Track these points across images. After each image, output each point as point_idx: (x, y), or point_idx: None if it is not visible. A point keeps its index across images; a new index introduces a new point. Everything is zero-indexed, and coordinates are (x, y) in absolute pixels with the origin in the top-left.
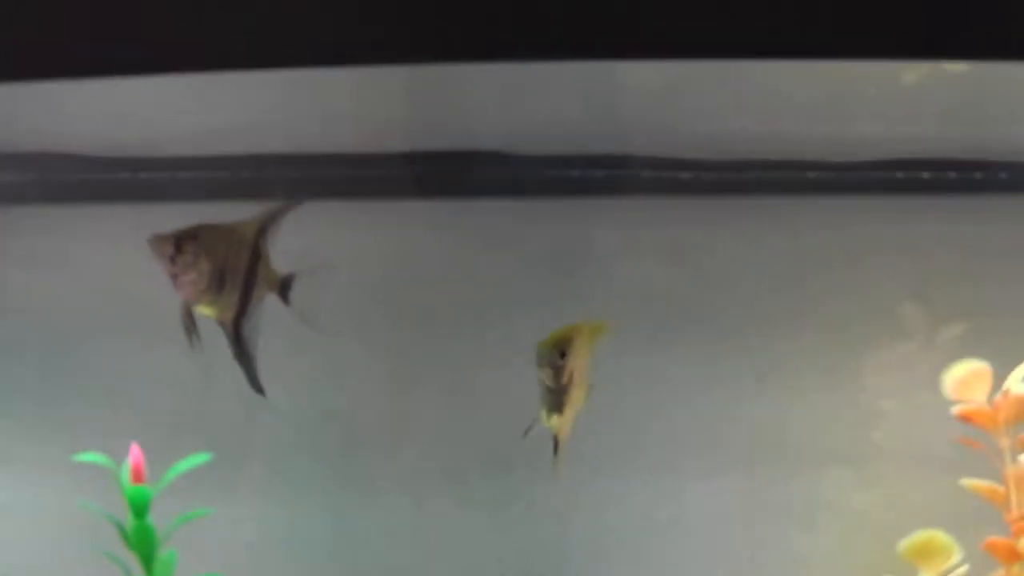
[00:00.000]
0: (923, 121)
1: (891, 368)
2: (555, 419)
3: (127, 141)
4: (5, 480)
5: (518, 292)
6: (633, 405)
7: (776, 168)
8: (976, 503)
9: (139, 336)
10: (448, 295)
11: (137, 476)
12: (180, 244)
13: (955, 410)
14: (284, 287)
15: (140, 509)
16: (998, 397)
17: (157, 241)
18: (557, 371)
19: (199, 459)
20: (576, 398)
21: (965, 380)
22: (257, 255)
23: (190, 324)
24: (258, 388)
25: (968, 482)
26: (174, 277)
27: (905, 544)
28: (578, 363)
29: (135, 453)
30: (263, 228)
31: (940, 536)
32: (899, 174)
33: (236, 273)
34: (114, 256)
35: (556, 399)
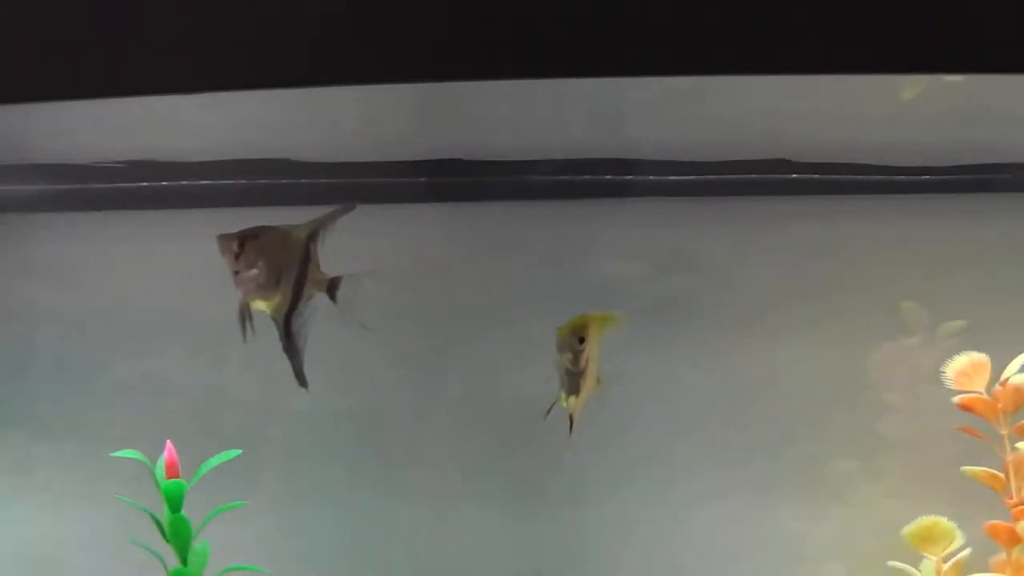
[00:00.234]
0: (923, 123)
1: (894, 362)
2: (572, 400)
3: (144, 148)
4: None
5: (527, 293)
6: (641, 400)
7: (782, 170)
8: (977, 491)
9: (155, 342)
10: (460, 296)
11: (172, 470)
12: (243, 243)
13: (956, 400)
14: (332, 288)
15: (175, 502)
16: (997, 387)
17: (224, 240)
18: (576, 355)
19: (230, 455)
20: (590, 382)
21: (965, 371)
22: (308, 257)
23: (246, 318)
24: (302, 381)
25: (969, 469)
26: (236, 273)
27: (908, 529)
28: (592, 349)
29: (169, 449)
30: (314, 232)
31: (942, 522)
32: (901, 176)
33: (289, 273)
34: (132, 262)
35: (574, 382)
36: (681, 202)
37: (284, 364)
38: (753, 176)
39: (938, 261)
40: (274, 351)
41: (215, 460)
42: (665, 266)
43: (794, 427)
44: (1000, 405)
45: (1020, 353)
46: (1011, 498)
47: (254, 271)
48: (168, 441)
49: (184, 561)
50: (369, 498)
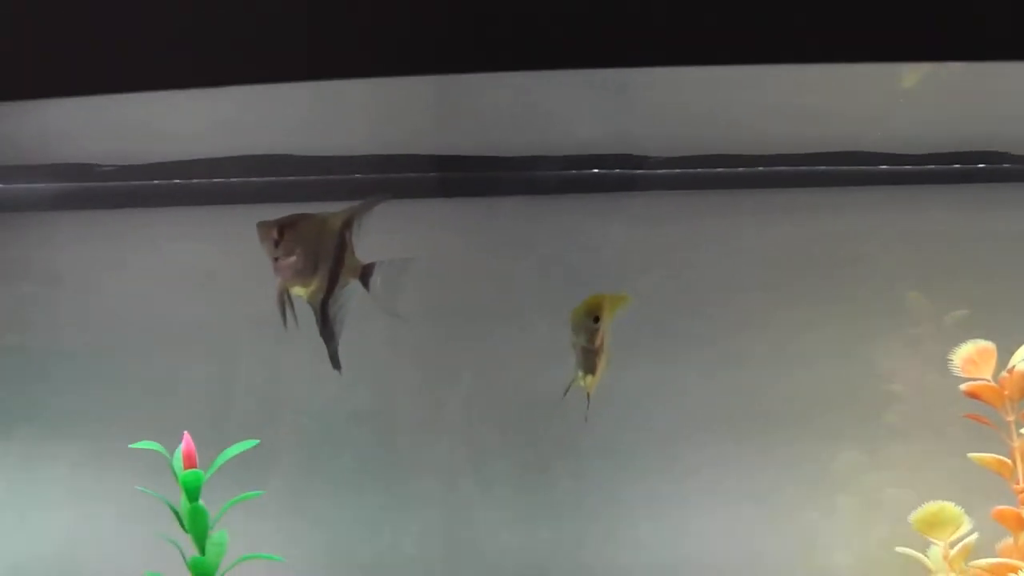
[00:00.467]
0: (926, 114)
1: (901, 352)
2: (588, 379)
3: (145, 146)
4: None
5: (537, 287)
6: (649, 391)
7: (787, 162)
8: (985, 479)
9: (168, 341)
10: (470, 291)
11: (189, 461)
12: (283, 231)
13: (963, 387)
14: (365, 275)
15: (193, 492)
16: (1004, 374)
17: (263, 227)
18: (592, 334)
19: (247, 445)
20: (604, 360)
21: (972, 359)
22: (344, 245)
23: (286, 304)
24: (336, 364)
25: (975, 456)
26: (275, 260)
27: (916, 515)
28: (605, 329)
29: (187, 440)
30: (349, 221)
31: (949, 507)
32: (907, 167)
33: (325, 260)
34: (146, 261)
35: (590, 360)
36: (687, 195)
37: (296, 360)
38: (759, 170)
39: (943, 251)
40: (285, 346)
41: (233, 450)
42: (673, 258)
43: (802, 417)
44: (1007, 392)
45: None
46: (1018, 484)
47: (292, 258)
48: (185, 432)
49: (202, 550)
50: (380, 490)
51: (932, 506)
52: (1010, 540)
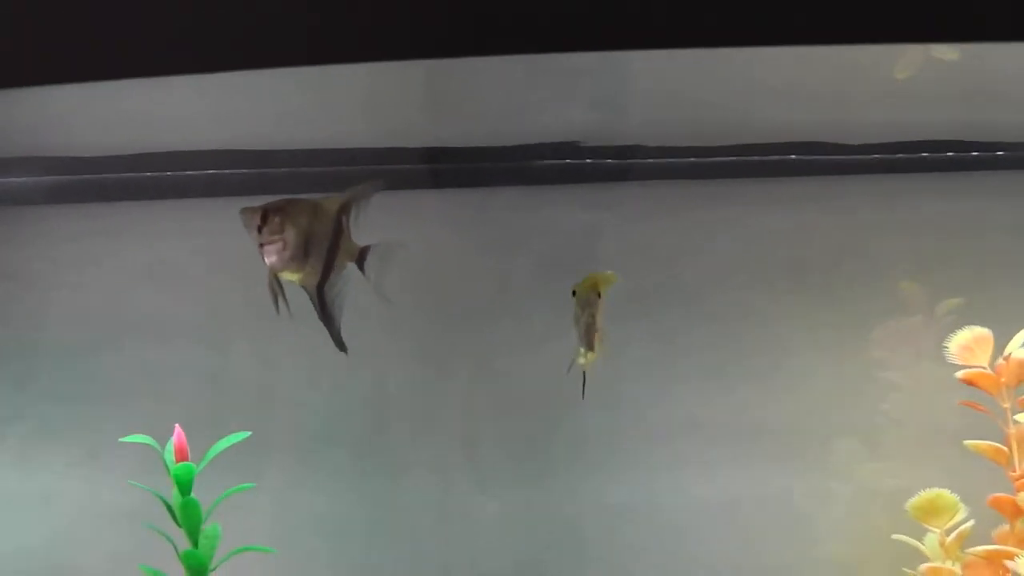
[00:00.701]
0: (921, 103)
1: (897, 342)
2: (589, 356)
3: (142, 139)
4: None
5: (529, 277)
6: (646, 380)
7: (779, 151)
8: (981, 467)
9: (159, 333)
10: (462, 282)
11: (181, 454)
12: (266, 215)
13: (959, 374)
14: (361, 258)
15: (185, 486)
16: (1000, 361)
17: (246, 212)
18: (594, 311)
19: (239, 436)
20: (602, 337)
21: (968, 346)
22: (340, 228)
23: (276, 289)
24: (341, 347)
25: (971, 443)
26: (260, 246)
27: (912, 503)
28: (601, 307)
29: (178, 433)
30: (346, 205)
31: (945, 494)
32: (900, 155)
33: (320, 244)
34: (135, 254)
35: (590, 337)
36: (682, 185)
37: (290, 352)
38: (754, 158)
39: (938, 239)
40: (281, 340)
41: (225, 442)
42: (668, 247)
43: (798, 407)
44: (1003, 379)
45: (1020, 329)
46: (1014, 471)
47: (279, 243)
48: (177, 425)
49: (195, 543)
50: (375, 483)
51: (928, 493)
52: (1006, 527)
